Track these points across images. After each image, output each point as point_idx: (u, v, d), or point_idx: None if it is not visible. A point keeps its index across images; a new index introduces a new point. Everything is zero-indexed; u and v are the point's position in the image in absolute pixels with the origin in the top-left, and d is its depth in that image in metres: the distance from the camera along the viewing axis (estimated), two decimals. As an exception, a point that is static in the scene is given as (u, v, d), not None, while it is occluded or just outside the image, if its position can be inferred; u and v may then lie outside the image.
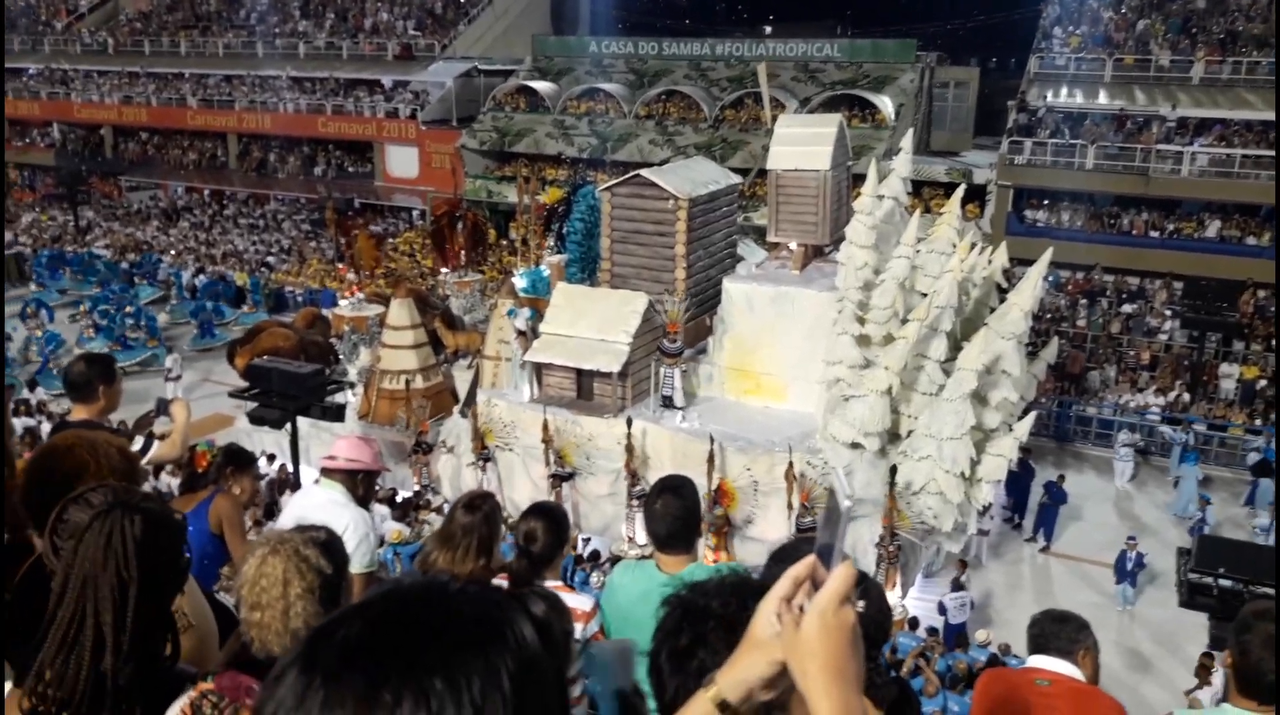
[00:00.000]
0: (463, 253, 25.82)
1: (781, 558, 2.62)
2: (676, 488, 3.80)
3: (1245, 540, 15.59)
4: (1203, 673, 11.54)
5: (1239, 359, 22.34)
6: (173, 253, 35.23)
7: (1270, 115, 25.55)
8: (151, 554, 1.95)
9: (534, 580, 3.93)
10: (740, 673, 1.37)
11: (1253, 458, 18.81)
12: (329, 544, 2.74)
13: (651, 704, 1.66)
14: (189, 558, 2.19)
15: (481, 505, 4.06)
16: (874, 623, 2.47)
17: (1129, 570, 15.12)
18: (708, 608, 1.59)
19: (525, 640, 1.00)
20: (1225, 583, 9.27)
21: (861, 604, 1.31)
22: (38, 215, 41.15)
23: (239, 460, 5.44)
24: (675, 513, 3.68)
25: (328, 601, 2.60)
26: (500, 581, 3.94)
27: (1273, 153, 24.80)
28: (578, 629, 4.07)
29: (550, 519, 4.03)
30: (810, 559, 1.33)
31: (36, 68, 46.19)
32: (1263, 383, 21.63)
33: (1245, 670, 3.16)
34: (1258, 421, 20.49)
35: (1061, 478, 17.51)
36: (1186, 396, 21.55)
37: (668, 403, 15.56)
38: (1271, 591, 8.75)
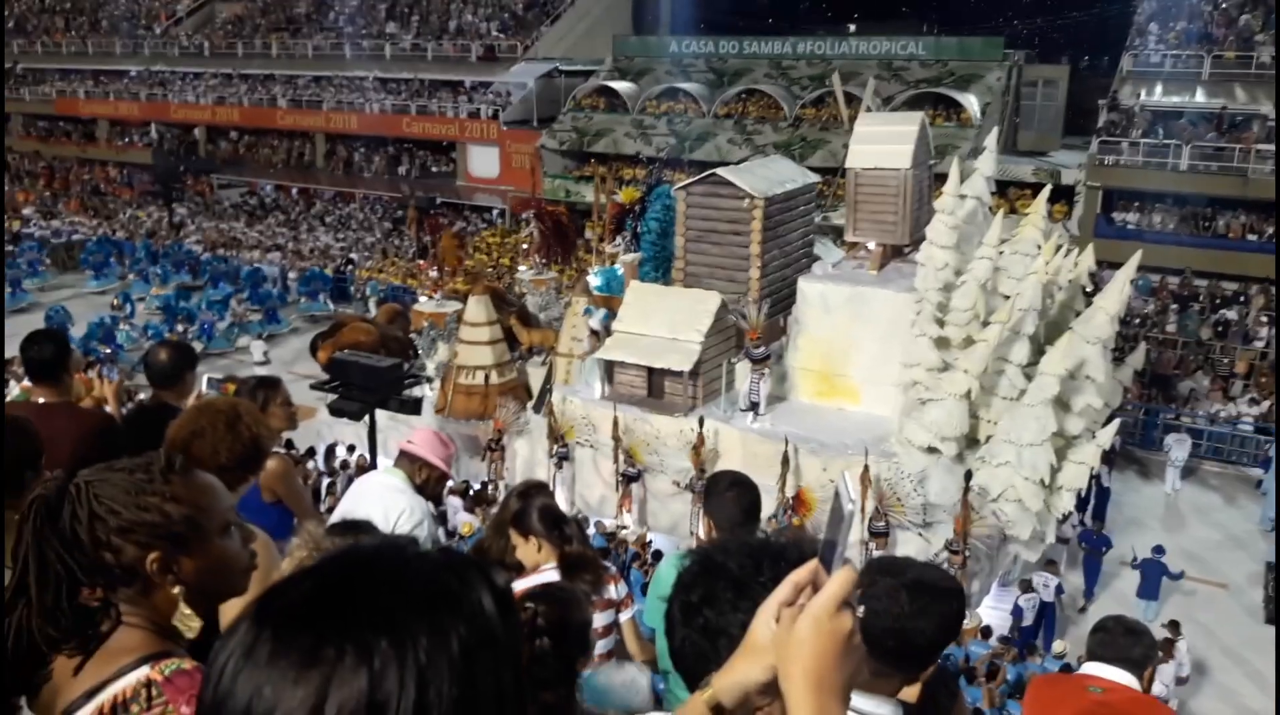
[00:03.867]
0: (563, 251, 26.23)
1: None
2: (743, 481, 3.96)
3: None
4: (1167, 646, 11.87)
5: (1341, 369, 21.36)
6: (261, 248, 36.51)
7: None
8: (47, 539, 1.80)
9: (586, 566, 3.93)
10: (736, 676, 1.35)
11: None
12: None
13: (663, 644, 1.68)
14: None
15: (536, 494, 4.08)
16: (944, 622, 2.40)
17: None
18: (724, 566, 1.58)
19: (482, 609, 0.99)
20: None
21: (861, 609, 1.28)
22: (134, 211, 42.79)
23: (257, 394, 4.64)
24: (744, 505, 3.81)
25: None
26: (550, 567, 3.94)
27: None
28: (600, 618, 4.05)
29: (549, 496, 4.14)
30: (813, 563, 1.29)
31: (136, 70, 47.96)
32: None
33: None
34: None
35: (1100, 525, 16.78)
36: (1283, 407, 20.68)
37: (754, 408, 15.37)
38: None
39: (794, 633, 1.23)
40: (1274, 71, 26.29)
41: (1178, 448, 18.92)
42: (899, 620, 2.31)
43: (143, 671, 1.81)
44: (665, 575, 3.94)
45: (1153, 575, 14.83)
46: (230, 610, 2.74)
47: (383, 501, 4.39)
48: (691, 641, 1.55)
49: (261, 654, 0.94)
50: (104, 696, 1.78)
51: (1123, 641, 3.46)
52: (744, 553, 1.59)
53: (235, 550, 2.04)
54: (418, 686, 0.91)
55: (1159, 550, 15.00)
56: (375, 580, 0.98)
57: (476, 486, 17.22)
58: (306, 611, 0.95)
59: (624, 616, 4.35)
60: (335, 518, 4.13)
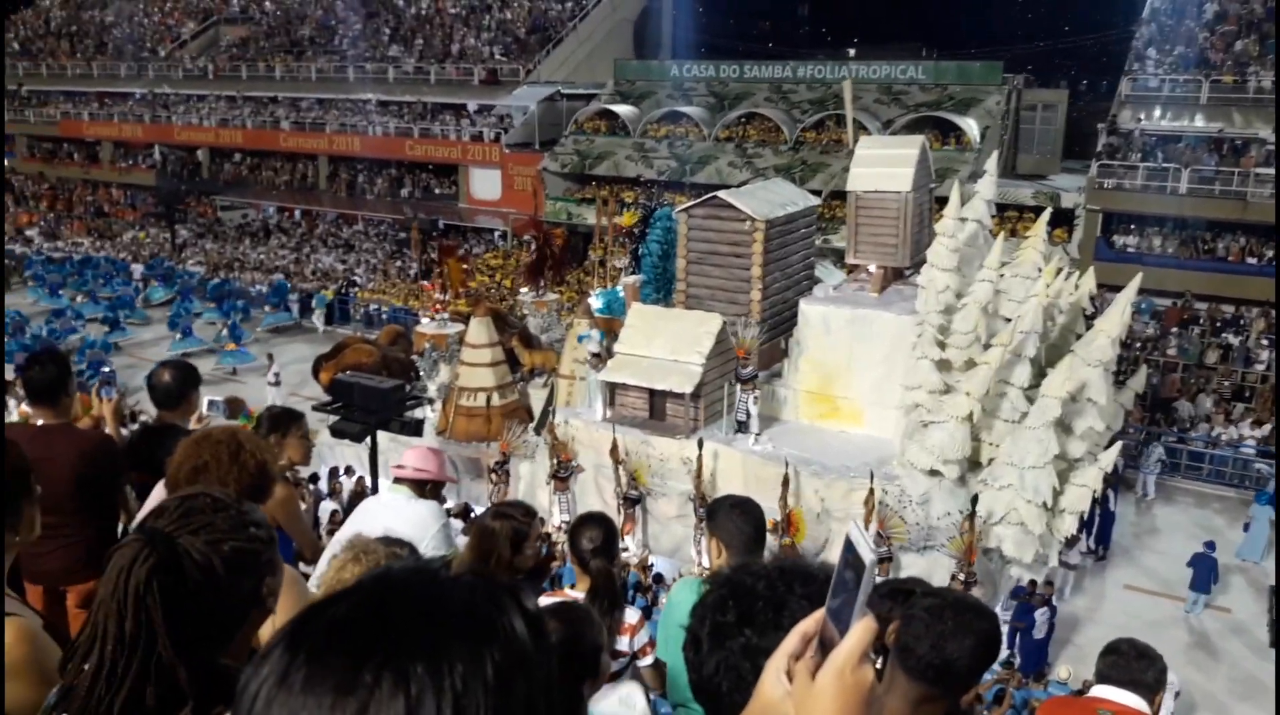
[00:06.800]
0: (556, 272, 26.36)
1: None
2: (745, 502, 3.94)
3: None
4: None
5: (1343, 392, 21.36)
6: (263, 270, 36.75)
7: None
8: (171, 598, 1.76)
9: (615, 578, 3.96)
10: None
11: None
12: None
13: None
14: (256, 592, 1.92)
15: (513, 513, 4.07)
16: (985, 640, 2.41)
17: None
18: (754, 588, 1.54)
19: (515, 633, 0.98)
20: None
21: (879, 661, 1.23)
22: (137, 233, 42.97)
23: (279, 424, 4.76)
24: (752, 525, 3.80)
25: None
26: (579, 591, 3.96)
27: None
28: (623, 642, 4.07)
29: (602, 526, 4.09)
30: (819, 614, 1.25)
31: (141, 92, 48.25)
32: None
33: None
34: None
35: (1104, 547, 16.97)
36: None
37: (742, 427, 15.42)
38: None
39: (816, 687, 1.19)
40: (1272, 95, 26.46)
41: (1150, 455, 19.47)
42: (942, 638, 2.30)
43: None
44: (680, 602, 3.90)
45: (1204, 570, 15.14)
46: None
47: (395, 511, 4.39)
48: (729, 665, 1.50)
49: (296, 681, 0.92)
50: None
51: (1136, 665, 3.44)
52: (773, 574, 1.56)
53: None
54: (454, 712, 0.90)
55: (1210, 546, 15.36)
56: (409, 605, 0.97)
57: (478, 510, 17.18)
58: (341, 637, 0.94)
59: (644, 663, 4.24)
60: (341, 538, 4.13)
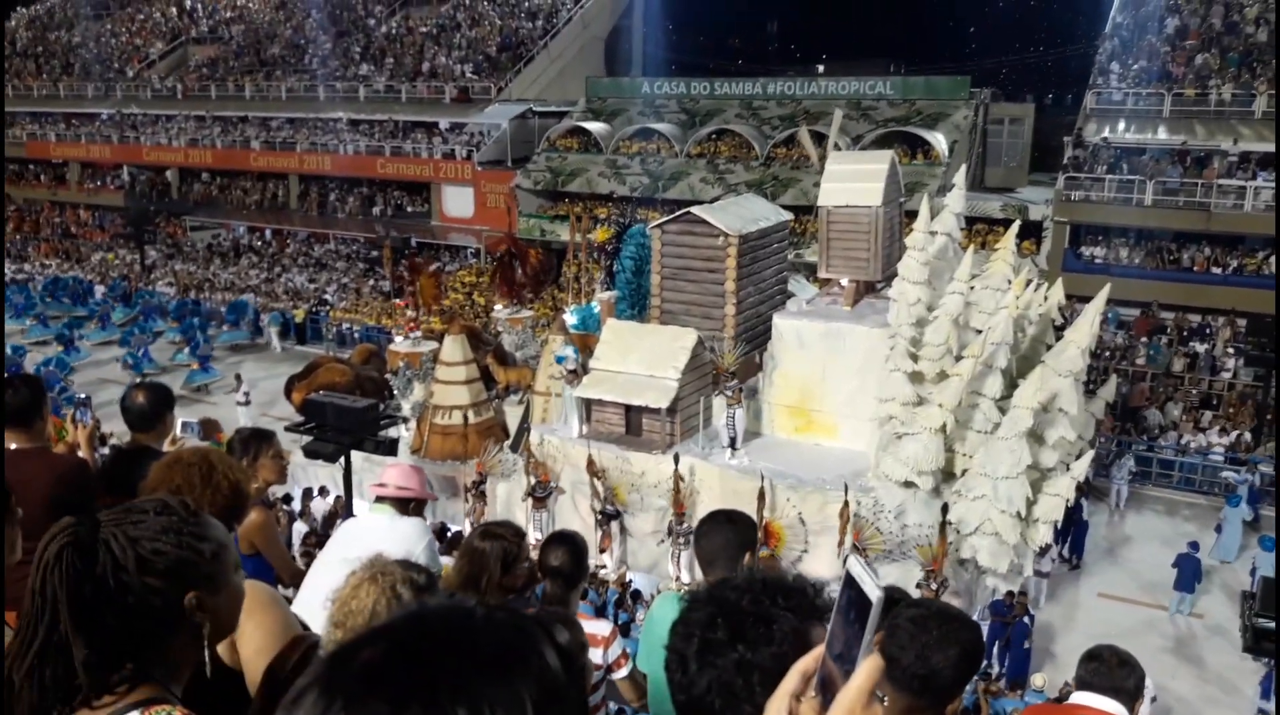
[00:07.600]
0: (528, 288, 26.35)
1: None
2: (738, 517, 3.85)
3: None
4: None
5: (1308, 398, 21.68)
6: (234, 290, 36.47)
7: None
8: (78, 581, 1.74)
9: (566, 604, 3.94)
10: None
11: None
12: (426, 589, 2.72)
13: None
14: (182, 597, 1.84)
15: (502, 532, 4.05)
16: (968, 651, 2.42)
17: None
18: (740, 604, 1.53)
19: (550, 668, 0.98)
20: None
21: (885, 700, 1.22)
22: (105, 254, 42.55)
23: (251, 445, 4.68)
24: (740, 541, 3.71)
25: None
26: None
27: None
28: (597, 654, 4.06)
29: (572, 545, 4.06)
30: (818, 651, 1.24)
31: (108, 113, 47.85)
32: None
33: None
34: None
35: (1078, 557, 17.18)
36: (1249, 437, 20.96)
37: (733, 444, 15.40)
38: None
39: None
40: (1232, 108, 26.94)
41: (1122, 466, 19.70)
42: (927, 648, 2.31)
43: None
44: (663, 618, 3.86)
45: (1188, 570, 15.43)
46: (253, 660, 2.68)
47: (386, 533, 4.36)
48: (722, 682, 1.48)
49: None
50: None
51: (1118, 673, 3.46)
52: (755, 588, 1.55)
53: (243, 587, 2.03)
54: None
55: (1194, 546, 15.67)
56: (447, 645, 0.96)
57: (454, 529, 17.09)
58: (379, 681, 0.92)
59: (618, 675, 4.23)
60: (328, 559, 4.11)
